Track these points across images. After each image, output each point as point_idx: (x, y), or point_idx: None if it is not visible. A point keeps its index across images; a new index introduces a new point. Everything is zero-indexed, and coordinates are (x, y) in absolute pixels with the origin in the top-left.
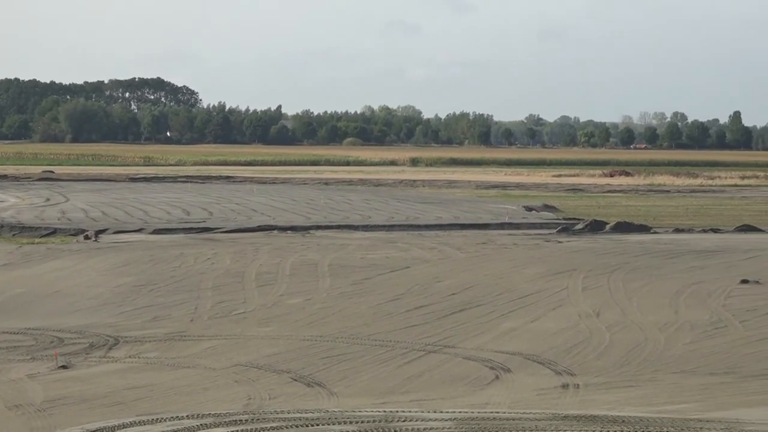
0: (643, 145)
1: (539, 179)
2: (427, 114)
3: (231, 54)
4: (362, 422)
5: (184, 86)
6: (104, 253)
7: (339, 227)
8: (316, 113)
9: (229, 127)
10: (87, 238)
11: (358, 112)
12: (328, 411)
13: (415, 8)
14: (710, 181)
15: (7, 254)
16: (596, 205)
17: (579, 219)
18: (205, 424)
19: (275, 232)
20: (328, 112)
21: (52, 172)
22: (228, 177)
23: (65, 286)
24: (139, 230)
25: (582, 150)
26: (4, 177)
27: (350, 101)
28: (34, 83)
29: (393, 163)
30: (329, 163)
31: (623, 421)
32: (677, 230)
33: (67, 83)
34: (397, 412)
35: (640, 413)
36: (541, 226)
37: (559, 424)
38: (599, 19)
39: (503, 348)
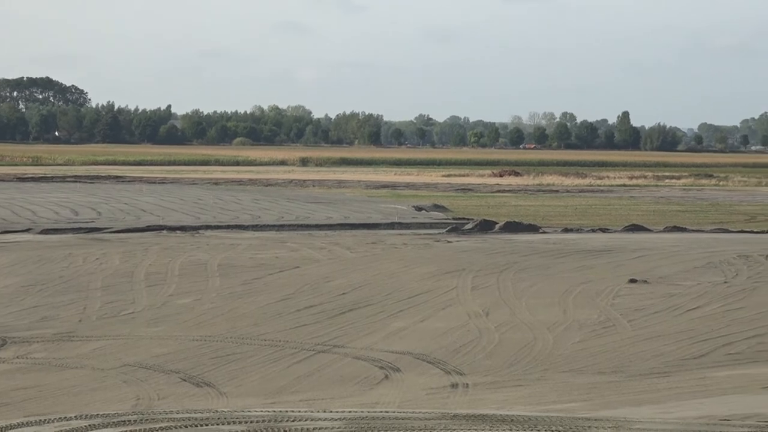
0: (533, 145)
1: (429, 179)
2: (317, 114)
3: (120, 53)
4: (251, 422)
5: (73, 86)
6: None
7: (229, 227)
8: (205, 113)
9: (118, 126)
10: None
11: (248, 112)
12: (217, 411)
13: (305, 9)
14: (599, 181)
15: None
16: (486, 204)
17: (468, 219)
18: (94, 425)
19: (164, 232)
20: (218, 112)
21: None
22: (117, 177)
23: None
24: (27, 230)
25: (472, 150)
26: None
27: (240, 101)
28: None
29: (283, 162)
30: (219, 163)
31: (512, 420)
32: (566, 230)
33: None
34: (287, 411)
35: (529, 412)
36: (430, 225)
37: (449, 424)
38: (490, 19)
39: (393, 347)
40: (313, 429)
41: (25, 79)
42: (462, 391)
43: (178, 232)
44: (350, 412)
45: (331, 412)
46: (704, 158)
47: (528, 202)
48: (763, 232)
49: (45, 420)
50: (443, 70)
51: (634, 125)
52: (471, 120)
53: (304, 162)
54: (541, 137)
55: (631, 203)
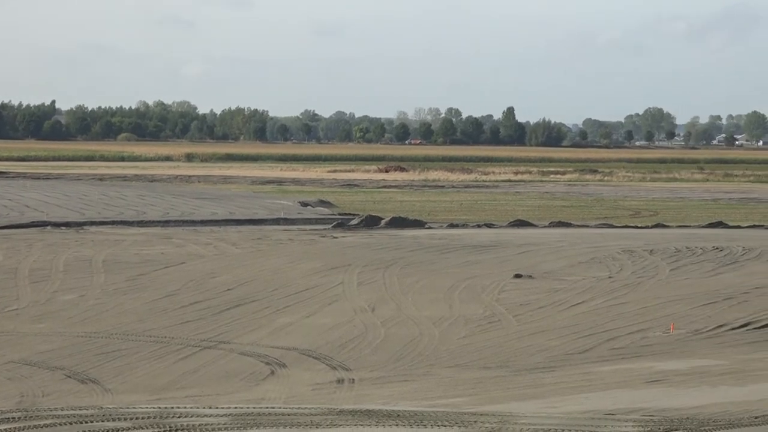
0: (418, 141)
1: (315, 175)
2: (203, 109)
3: (2, 47)
4: (137, 419)
5: None
6: None
7: (113, 223)
8: (90, 109)
9: (1, 122)
10: None
11: (133, 107)
12: (102, 408)
13: (190, 4)
14: (484, 177)
15: None
16: (372, 200)
17: (354, 214)
18: None
19: (49, 228)
20: (103, 107)
21: None
22: (1, 173)
23: None
24: None
25: (357, 145)
26: None
27: (125, 97)
28: None
29: (168, 158)
30: (104, 158)
31: (398, 415)
32: (452, 225)
33: None
34: (173, 408)
35: (415, 407)
36: (316, 221)
37: (335, 419)
38: (376, 15)
39: (279, 343)
40: (199, 425)
41: None
42: (348, 386)
43: (62, 228)
44: (236, 408)
45: (217, 408)
46: (589, 153)
47: (414, 197)
48: (647, 227)
49: None
50: (329, 66)
51: (519, 121)
52: (357, 115)
53: (189, 158)
54: (426, 133)
55: (517, 198)
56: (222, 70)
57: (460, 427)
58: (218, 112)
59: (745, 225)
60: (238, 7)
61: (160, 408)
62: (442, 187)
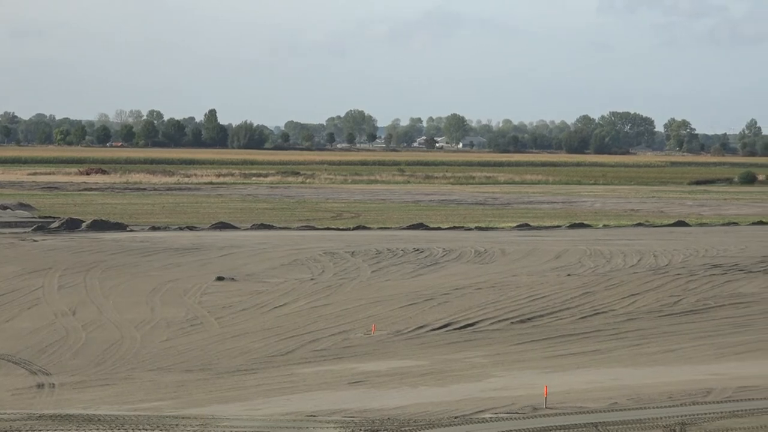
0: (120, 143)
1: (14, 177)
2: None
3: None
4: None
5: None
6: None
7: None
8: None
9: None
10: None
11: None
12: None
13: None
14: (186, 179)
15: None
16: (73, 203)
17: (55, 217)
18: None
19: None
20: None
21: None
22: None
23: None
24: None
25: (58, 148)
26: None
27: None
28: None
29: None
30: None
31: (99, 419)
32: (154, 228)
33: None
34: None
35: (116, 411)
36: (16, 224)
37: (34, 425)
38: (78, 16)
39: None
40: None
41: None
42: (48, 391)
43: None
44: None
45: None
46: (291, 156)
47: (115, 200)
48: (348, 229)
49: None
50: (28, 68)
51: (221, 123)
52: (57, 118)
53: None
54: (128, 135)
55: (219, 201)
56: None
57: (161, 430)
58: None
59: (446, 227)
60: None
61: None
62: (144, 189)
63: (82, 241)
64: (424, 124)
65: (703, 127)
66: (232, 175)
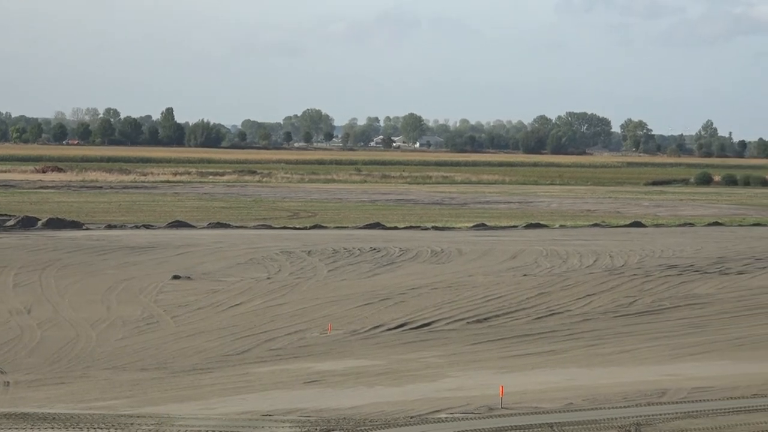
0: (76, 141)
1: None
2: None
3: None
4: None
5: None
6: None
7: None
8: None
9: None
10: None
11: None
12: None
13: None
14: (143, 178)
15: None
16: (28, 201)
17: (10, 215)
18: None
19: None
20: None
21: None
22: None
23: None
24: None
25: (14, 146)
26: None
27: None
28: None
29: None
30: None
31: (54, 418)
32: (110, 226)
33: None
34: None
35: (71, 410)
36: None
37: None
38: (28, 12)
39: None
40: None
41: None
42: (3, 389)
43: None
44: None
45: None
46: (248, 155)
47: (71, 198)
48: (305, 228)
49: None
50: None
51: (178, 121)
52: (13, 115)
53: None
54: (84, 133)
55: (176, 199)
56: None
57: (117, 429)
58: None
59: (402, 226)
60: None
61: None
62: (101, 188)
63: (37, 239)
64: (381, 123)
65: (659, 127)
66: (189, 173)
